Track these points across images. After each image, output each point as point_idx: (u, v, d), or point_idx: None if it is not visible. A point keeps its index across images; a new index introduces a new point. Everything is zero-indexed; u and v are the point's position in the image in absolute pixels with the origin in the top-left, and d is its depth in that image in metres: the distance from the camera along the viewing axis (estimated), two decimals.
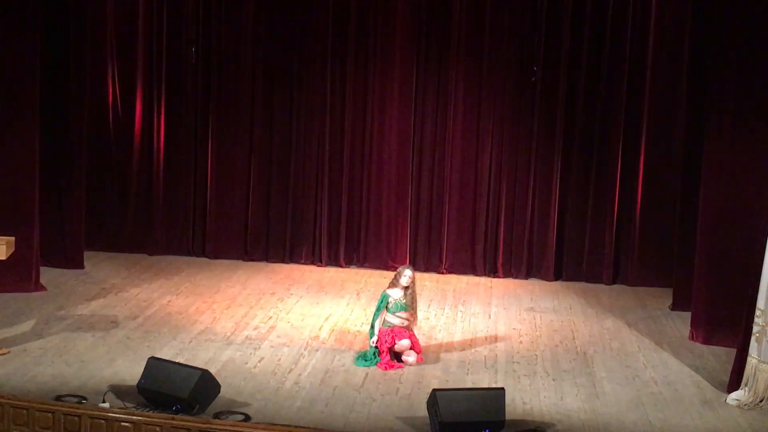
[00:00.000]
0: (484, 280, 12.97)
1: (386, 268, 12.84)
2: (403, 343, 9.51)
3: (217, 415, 7.99)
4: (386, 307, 9.59)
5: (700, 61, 11.13)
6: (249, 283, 12.30)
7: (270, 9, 13.13)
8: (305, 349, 9.86)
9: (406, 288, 9.60)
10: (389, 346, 9.45)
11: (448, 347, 10.15)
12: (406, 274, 9.59)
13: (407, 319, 9.64)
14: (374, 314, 9.66)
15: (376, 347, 9.47)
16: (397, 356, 9.54)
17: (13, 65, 11.17)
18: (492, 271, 13.16)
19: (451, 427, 7.80)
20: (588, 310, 11.69)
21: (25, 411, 7.73)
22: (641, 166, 12.72)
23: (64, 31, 12.04)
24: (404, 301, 9.59)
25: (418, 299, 9.92)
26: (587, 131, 12.84)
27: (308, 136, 13.30)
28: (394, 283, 9.66)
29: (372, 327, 9.61)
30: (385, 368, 9.33)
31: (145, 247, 13.47)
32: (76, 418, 7.67)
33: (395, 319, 9.59)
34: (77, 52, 12.18)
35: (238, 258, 13.44)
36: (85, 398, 8.15)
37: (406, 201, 13.25)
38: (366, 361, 9.47)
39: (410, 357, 9.55)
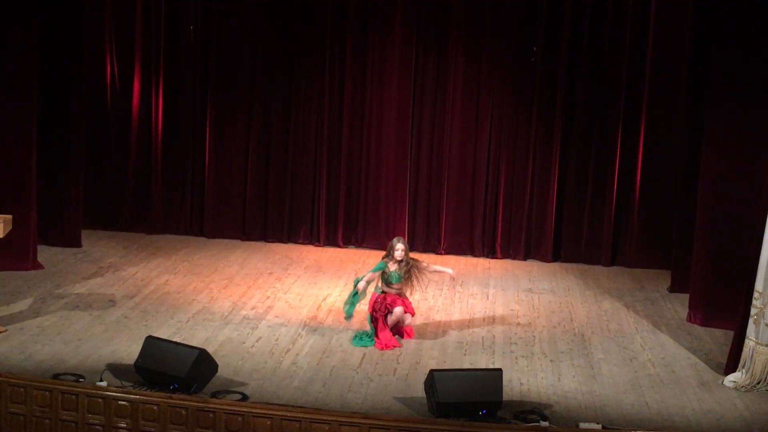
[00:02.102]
0: (482, 261, 12.97)
1: (384, 248, 12.71)
2: (397, 312, 9.51)
3: (214, 395, 8.00)
4: (381, 277, 9.62)
5: (701, 45, 11.06)
6: (247, 263, 12.29)
7: None
8: (303, 329, 9.86)
9: (400, 261, 9.62)
10: (383, 313, 9.47)
11: (446, 328, 10.15)
12: (399, 248, 9.63)
13: (400, 290, 9.68)
14: (365, 275, 9.68)
15: (375, 321, 9.48)
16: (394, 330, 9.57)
17: (11, 44, 11.11)
18: (490, 252, 13.15)
19: (448, 407, 7.81)
20: (586, 292, 11.69)
21: (22, 389, 7.73)
22: (641, 147, 12.68)
23: (63, 11, 11.98)
24: (399, 273, 9.63)
25: (418, 266, 9.81)
26: (587, 112, 12.79)
27: (307, 115, 13.26)
28: (388, 257, 9.68)
29: (355, 285, 9.60)
30: (383, 348, 9.34)
31: (143, 226, 13.45)
32: (74, 396, 7.68)
33: (389, 290, 9.63)
34: (76, 31, 12.14)
35: (236, 237, 13.43)
36: (82, 377, 8.17)
37: (404, 181, 13.22)
38: (363, 341, 9.48)
39: (407, 319, 9.59)
